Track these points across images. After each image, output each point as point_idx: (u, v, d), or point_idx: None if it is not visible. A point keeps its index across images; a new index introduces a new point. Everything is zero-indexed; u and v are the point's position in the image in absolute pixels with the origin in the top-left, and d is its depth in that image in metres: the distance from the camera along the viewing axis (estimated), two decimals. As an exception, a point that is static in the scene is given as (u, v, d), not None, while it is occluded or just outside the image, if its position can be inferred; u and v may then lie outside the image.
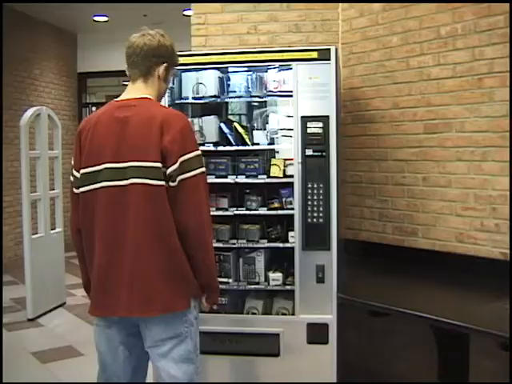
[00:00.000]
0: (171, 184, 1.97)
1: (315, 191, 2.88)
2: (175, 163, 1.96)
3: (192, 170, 1.99)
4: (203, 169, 2.03)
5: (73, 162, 2.13)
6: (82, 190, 2.05)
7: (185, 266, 2.01)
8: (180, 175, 1.97)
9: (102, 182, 2.00)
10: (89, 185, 2.03)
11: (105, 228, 2.00)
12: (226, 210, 3.10)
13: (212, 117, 3.17)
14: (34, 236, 4.93)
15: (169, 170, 1.96)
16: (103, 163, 2.00)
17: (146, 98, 2.09)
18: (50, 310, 5.10)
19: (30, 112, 5.00)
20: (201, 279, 2.06)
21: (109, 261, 2.00)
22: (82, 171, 2.05)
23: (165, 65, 2.13)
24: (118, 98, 2.14)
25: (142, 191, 1.96)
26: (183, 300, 2.03)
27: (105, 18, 7.60)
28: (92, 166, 2.02)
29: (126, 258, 1.97)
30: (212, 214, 3.12)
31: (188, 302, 2.04)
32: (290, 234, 2.98)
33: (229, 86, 3.13)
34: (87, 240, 2.07)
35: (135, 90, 2.12)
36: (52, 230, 5.25)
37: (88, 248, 2.07)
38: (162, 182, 1.96)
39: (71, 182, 2.13)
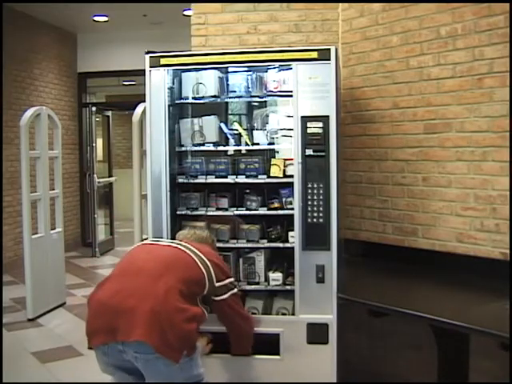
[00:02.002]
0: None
1: (315, 191, 2.88)
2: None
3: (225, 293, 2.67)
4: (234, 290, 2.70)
5: None
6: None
7: None
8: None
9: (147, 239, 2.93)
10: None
11: None
12: (226, 210, 3.10)
13: (212, 117, 3.17)
14: (33, 236, 4.93)
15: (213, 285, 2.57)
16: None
17: None
18: (50, 310, 5.10)
19: (29, 112, 5.00)
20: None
21: None
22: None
23: None
24: None
25: (175, 252, 2.57)
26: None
27: (105, 18, 7.60)
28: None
29: None
30: (212, 213, 3.14)
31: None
32: (290, 233, 2.98)
33: (229, 86, 3.13)
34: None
35: None
36: (52, 230, 5.25)
37: None
38: (198, 261, 2.52)
39: None
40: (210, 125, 3.15)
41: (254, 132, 3.17)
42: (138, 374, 2.26)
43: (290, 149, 2.98)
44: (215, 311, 2.62)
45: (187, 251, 2.45)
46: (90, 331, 2.28)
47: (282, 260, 3.13)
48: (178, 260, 2.41)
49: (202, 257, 2.46)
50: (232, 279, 2.63)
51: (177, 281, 2.27)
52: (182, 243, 2.53)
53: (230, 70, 3.17)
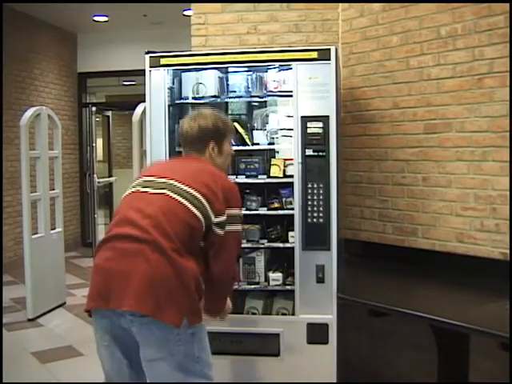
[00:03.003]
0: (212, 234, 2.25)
1: (315, 191, 2.88)
2: (223, 214, 2.22)
3: (234, 224, 2.28)
4: (240, 225, 2.35)
5: None
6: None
7: None
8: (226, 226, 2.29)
9: (136, 187, 2.24)
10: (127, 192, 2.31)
11: None
12: (226, 209, 3.09)
13: (212, 117, 3.17)
14: (33, 236, 4.93)
15: (216, 220, 2.19)
16: (145, 176, 2.32)
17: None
18: (50, 310, 5.10)
19: (29, 112, 5.00)
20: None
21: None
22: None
23: (212, 143, 2.30)
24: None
25: (165, 199, 2.16)
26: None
27: (105, 18, 7.60)
28: (136, 180, 2.33)
29: None
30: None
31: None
32: (290, 233, 2.98)
33: (229, 86, 3.13)
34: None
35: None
36: (52, 230, 5.25)
37: None
38: (191, 206, 2.14)
39: None
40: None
41: (254, 132, 3.17)
42: (133, 354, 2.08)
43: (289, 149, 2.99)
44: (206, 244, 2.19)
45: (177, 198, 2.09)
46: (88, 295, 2.10)
47: (281, 260, 3.13)
48: (169, 211, 2.07)
49: (196, 195, 2.10)
50: (235, 210, 2.22)
51: (169, 239, 2.01)
52: (173, 184, 2.13)
53: (229, 69, 3.17)
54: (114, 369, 2.14)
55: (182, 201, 2.08)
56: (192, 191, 2.10)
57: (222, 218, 2.15)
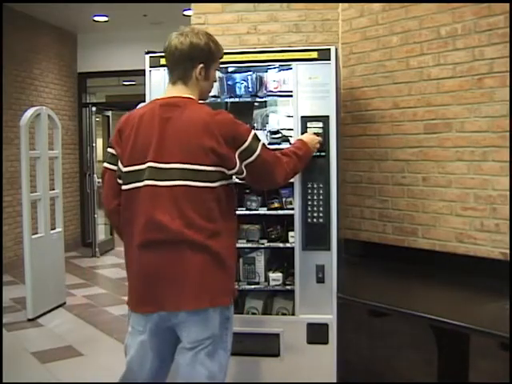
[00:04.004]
0: (240, 176, 2.19)
1: (315, 191, 2.88)
2: (235, 166, 2.11)
3: (253, 154, 2.15)
4: (260, 143, 2.21)
5: (111, 150, 2.21)
6: (126, 187, 2.13)
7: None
8: (244, 161, 2.13)
9: (145, 180, 2.06)
10: (133, 182, 2.10)
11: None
12: (226, 209, 3.09)
13: (212, 117, 3.17)
14: (33, 236, 4.93)
15: (231, 172, 2.13)
16: (147, 162, 2.06)
17: (189, 98, 2.14)
18: (50, 310, 5.10)
19: (29, 112, 5.00)
20: None
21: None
22: (126, 169, 2.12)
23: (201, 65, 2.16)
24: (160, 97, 2.19)
25: (184, 191, 2.04)
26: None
27: (105, 18, 7.60)
28: (136, 165, 2.08)
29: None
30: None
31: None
32: (290, 234, 2.98)
33: (229, 85, 3.13)
34: (128, 235, 2.16)
35: (177, 91, 2.16)
36: (52, 230, 5.25)
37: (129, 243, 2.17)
38: (207, 184, 2.05)
39: (105, 167, 2.23)
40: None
41: (254, 132, 3.16)
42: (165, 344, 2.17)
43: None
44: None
45: (191, 183, 2.04)
46: (135, 298, 2.15)
47: (281, 260, 3.13)
48: (193, 201, 2.05)
49: (204, 169, 2.04)
50: (244, 144, 2.12)
51: (201, 230, 2.03)
52: (179, 169, 2.04)
53: (229, 69, 3.17)
54: (139, 355, 2.17)
55: (198, 184, 2.04)
56: (199, 167, 2.03)
57: (237, 166, 2.11)
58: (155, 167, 2.05)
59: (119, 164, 2.15)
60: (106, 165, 2.23)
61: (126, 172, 2.12)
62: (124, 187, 2.14)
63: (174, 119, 2.07)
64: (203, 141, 2.03)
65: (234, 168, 2.11)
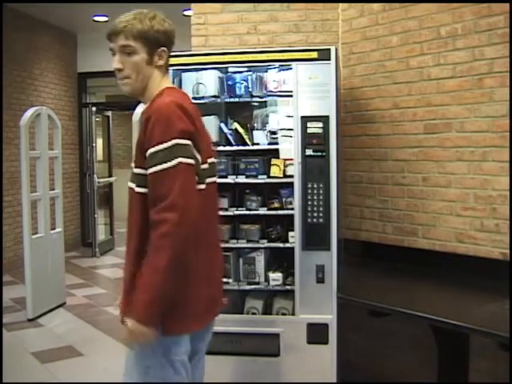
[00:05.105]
0: None
1: (315, 191, 2.88)
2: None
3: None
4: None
5: (188, 142, 1.79)
6: (201, 186, 1.87)
7: None
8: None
9: (213, 176, 1.99)
10: (207, 180, 1.91)
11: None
12: (226, 210, 3.10)
13: (212, 117, 3.17)
14: (33, 236, 4.93)
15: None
16: (211, 157, 1.97)
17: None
18: (50, 310, 5.10)
19: (29, 112, 5.00)
20: None
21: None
22: (204, 166, 1.88)
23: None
24: (170, 85, 2.08)
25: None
26: None
27: (105, 18, 7.59)
28: (205, 163, 1.90)
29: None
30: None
31: None
32: (290, 234, 2.98)
33: (229, 85, 3.13)
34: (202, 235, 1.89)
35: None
36: (52, 230, 5.25)
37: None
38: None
39: (189, 164, 1.78)
40: (209, 125, 3.15)
41: (254, 132, 3.17)
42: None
43: (289, 149, 2.99)
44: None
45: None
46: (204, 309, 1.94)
47: (281, 260, 3.13)
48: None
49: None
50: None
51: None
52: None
53: (230, 69, 3.17)
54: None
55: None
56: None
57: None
58: (214, 162, 2.02)
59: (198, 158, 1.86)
60: (190, 161, 1.77)
61: (203, 169, 1.88)
62: (200, 186, 1.85)
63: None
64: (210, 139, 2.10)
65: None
